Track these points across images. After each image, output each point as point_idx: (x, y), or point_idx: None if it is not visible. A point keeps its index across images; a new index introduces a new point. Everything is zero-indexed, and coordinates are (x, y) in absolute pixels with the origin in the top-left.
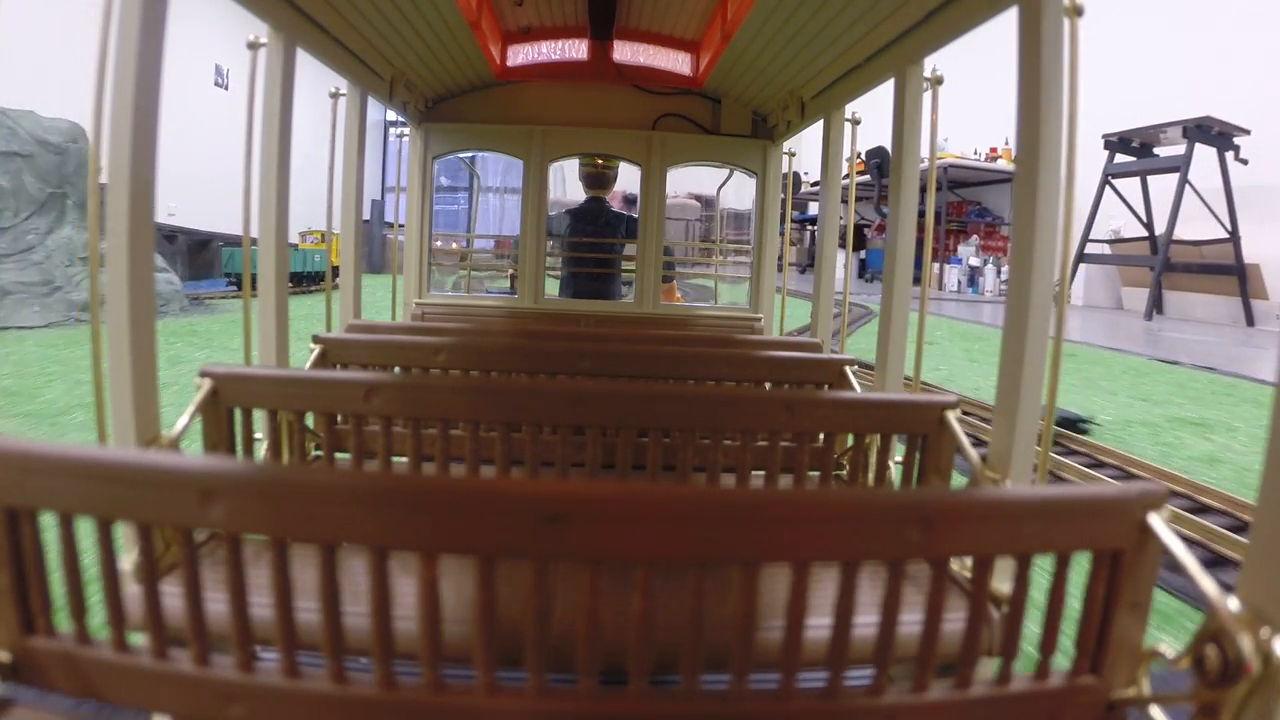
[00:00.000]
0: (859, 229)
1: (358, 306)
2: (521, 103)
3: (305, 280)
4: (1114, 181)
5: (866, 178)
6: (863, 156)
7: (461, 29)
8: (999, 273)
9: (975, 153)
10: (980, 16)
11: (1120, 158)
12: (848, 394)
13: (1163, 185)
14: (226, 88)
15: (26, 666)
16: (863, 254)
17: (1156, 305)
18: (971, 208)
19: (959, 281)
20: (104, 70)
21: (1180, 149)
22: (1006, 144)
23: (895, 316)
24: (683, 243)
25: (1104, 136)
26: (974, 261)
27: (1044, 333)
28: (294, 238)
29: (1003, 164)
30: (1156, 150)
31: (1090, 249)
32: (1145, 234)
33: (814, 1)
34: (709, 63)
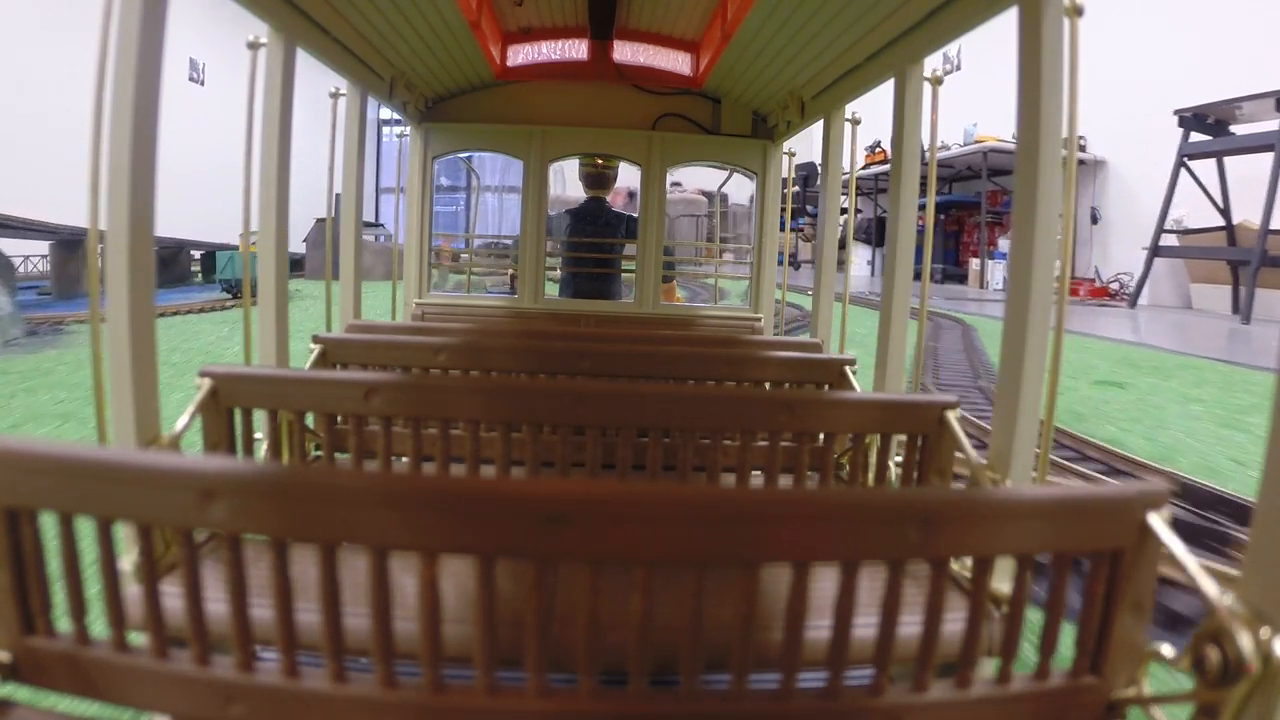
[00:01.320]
0: (883, 223)
1: (358, 307)
2: (521, 103)
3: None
4: (1188, 164)
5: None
6: (882, 146)
7: (461, 29)
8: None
9: (1013, 137)
10: (980, 16)
11: (1195, 137)
12: (848, 394)
13: (1237, 169)
14: (202, 83)
15: (26, 666)
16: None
17: (1237, 304)
18: (1008, 197)
19: (1003, 279)
20: (104, 70)
21: (1261, 125)
22: None
23: (895, 315)
24: (691, 242)
25: (1177, 113)
26: None
27: (1044, 331)
28: (231, 239)
29: None
30: (1232, 128)
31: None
32: (1221, 224)
33: (814, 1)
34: (709, 63)
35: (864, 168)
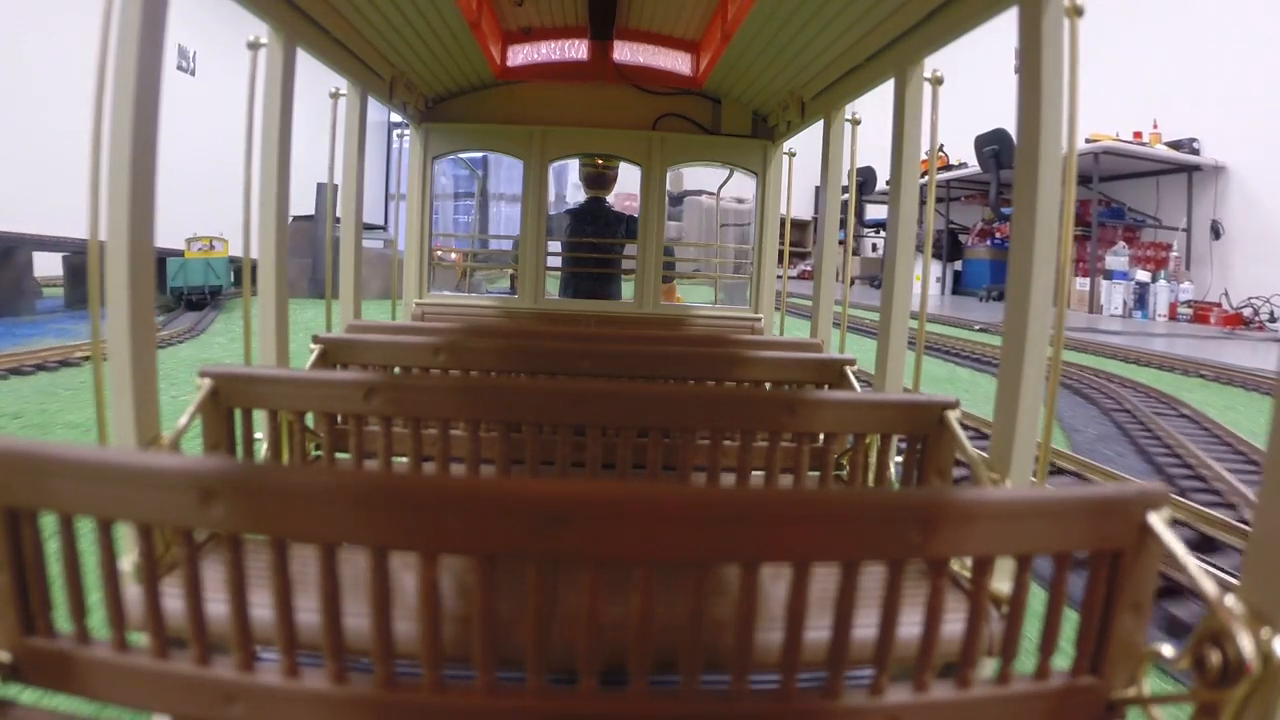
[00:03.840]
0: (952, 235)
1: (358, 306)
2: (521, 103)
3: (192, 298)
4: None
5: (946, 172)
6: (944, 152)
7: (461, 29)
8: (1174, 291)
9: (1116, 135)
10: (980, 16)
11: None
12: (848, 394)
13: None
14: (193, 73)
15: (26, 666)
16: (958, 265)
17: None
18: (1101, 207)
19: (1124, 302)
20: (104, 70)
21: None
22: (1155, 127)
23: (895, 318)
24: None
25: None
26: (1141, 276)
27: (1044, 332)
28: (177, 243)
29: (1163, 150)
30: None
31: None
32: None
33: (814, 1)
34: (709, 63)
35: (923, 174)
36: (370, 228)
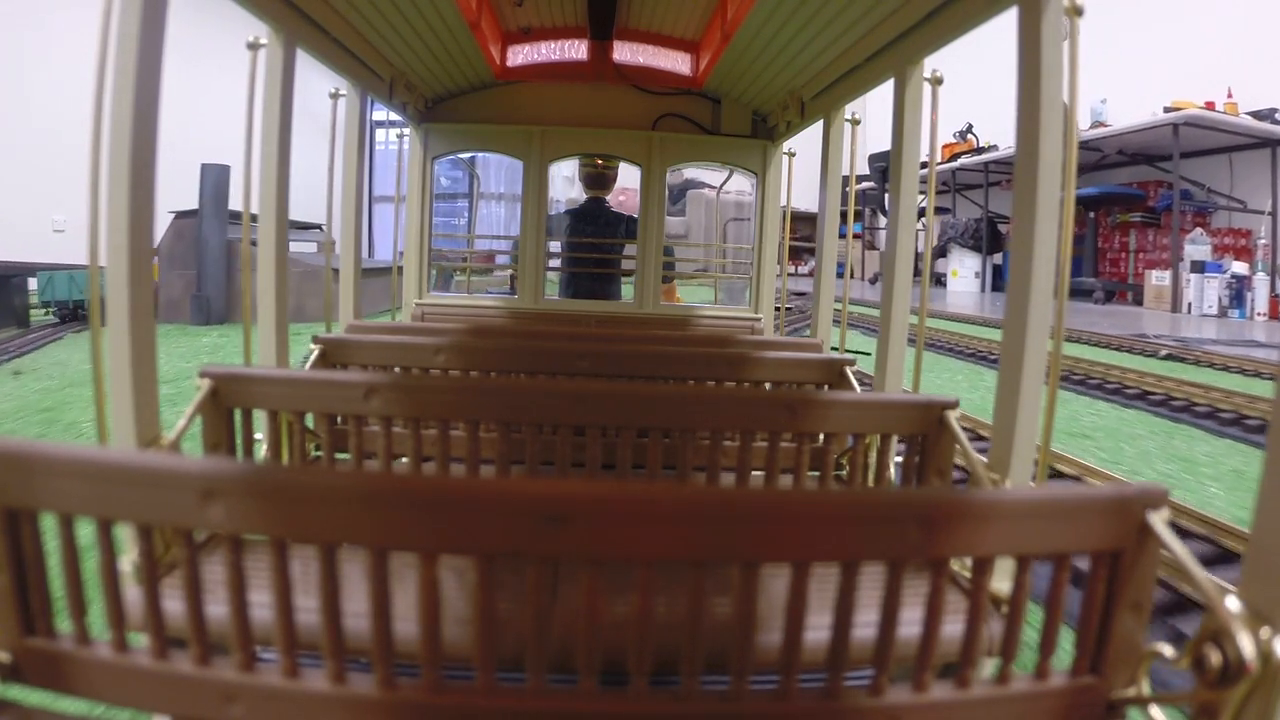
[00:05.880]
0: (991, 225)
1: (358, 307)
2: (521, 103)
3: (61, 313)
4: None
5: (979, 155)
6: (973, 133)
7: (461, 29)
8: (1276, 282)
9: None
10: (980, 16)
11: None
12: (848, 394)
13: None
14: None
15: (26, 666)
16: (998, 258)
17: None
18: (1165, 189)
19: (1219, 299)
20: (104, 70)
21: None
22: (1230, 96)
23: (895, 318)
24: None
25: None
26: (1238, 268)
27: (1044, 332)
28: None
29: (1249, 121)
30: None
31: None
32: None
33: (814, 1)
34: (709, 63)
35: (950, 159)
36: (306, 226)
